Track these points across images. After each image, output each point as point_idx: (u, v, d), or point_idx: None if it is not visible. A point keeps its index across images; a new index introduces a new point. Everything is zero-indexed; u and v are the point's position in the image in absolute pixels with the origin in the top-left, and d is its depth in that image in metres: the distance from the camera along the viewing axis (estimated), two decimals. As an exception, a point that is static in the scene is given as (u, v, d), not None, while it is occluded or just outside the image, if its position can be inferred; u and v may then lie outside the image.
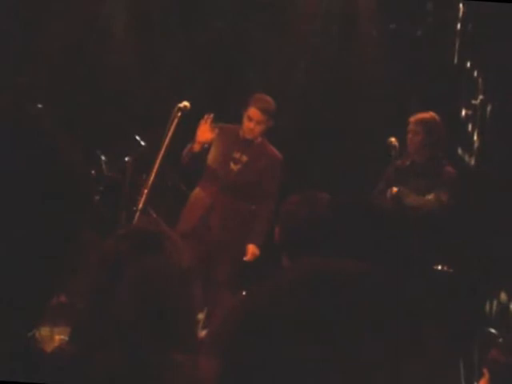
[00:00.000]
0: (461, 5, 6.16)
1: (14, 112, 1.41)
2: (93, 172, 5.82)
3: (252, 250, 5.27)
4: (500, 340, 4.38)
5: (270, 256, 2.77)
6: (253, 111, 5.18)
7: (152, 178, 5.14)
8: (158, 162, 5.18)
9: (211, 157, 5.34)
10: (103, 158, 6.02)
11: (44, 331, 4.43)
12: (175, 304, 1.70)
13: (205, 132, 5.19)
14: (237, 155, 5.32)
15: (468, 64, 6.08)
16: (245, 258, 5.29)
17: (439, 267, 5.21)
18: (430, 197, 5.14)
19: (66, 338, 2.95)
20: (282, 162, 5.41)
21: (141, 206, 5.08)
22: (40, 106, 4.44)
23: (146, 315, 1.65)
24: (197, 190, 5.47)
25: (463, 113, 6.13)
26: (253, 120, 5.19)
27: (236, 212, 5.31)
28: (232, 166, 5.32)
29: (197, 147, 5.21)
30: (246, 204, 5.34)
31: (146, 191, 5.12)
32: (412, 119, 5.22)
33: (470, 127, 6.09)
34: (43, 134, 1.43)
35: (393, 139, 5.23)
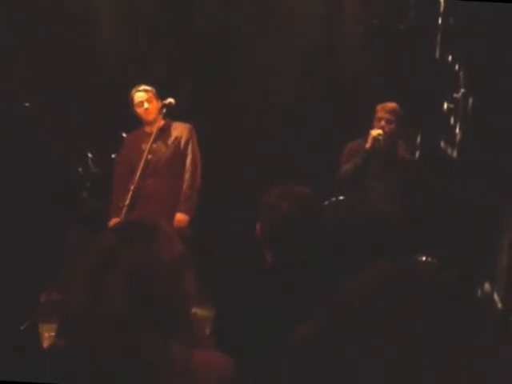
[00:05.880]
0: (442, -1, 6.22)
1: (4, 111, 1.46)
2: (80, 169, 5.84)
3: (179, 217, 5.32)
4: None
5: (251, 251, 2.75)
6: (136, 96, 5.34)
7: (138, 174, 5.17)
8: (144, 158, 5.22)
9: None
10: (90, 155, 6.05)
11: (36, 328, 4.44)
12: (169, 292, 1.73)
13: None
14: (144, 146, 5.33)
15: (449, 58, 6.14)
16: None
17: (423, 258, 5.26)
18: None
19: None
20: (193, 128, 5.47)
21: (127, 202, 5.12)
22: (27, 104, 4.46)
23: (140, 304, 1.69)
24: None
25: (445, 106, 6.19)
26: (142, 102, 5.33)
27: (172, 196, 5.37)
28: (148, 157, 5.32)
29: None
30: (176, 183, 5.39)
31: (132, 187, 5.16)
32: (382, 107, 5.32)
33: (451, 120, 6.15)
34: (30, 132, 1.47)
35: (379, 131, 5.28)
